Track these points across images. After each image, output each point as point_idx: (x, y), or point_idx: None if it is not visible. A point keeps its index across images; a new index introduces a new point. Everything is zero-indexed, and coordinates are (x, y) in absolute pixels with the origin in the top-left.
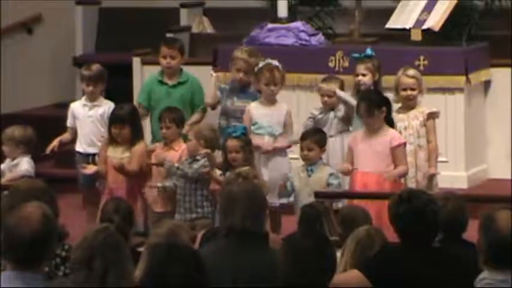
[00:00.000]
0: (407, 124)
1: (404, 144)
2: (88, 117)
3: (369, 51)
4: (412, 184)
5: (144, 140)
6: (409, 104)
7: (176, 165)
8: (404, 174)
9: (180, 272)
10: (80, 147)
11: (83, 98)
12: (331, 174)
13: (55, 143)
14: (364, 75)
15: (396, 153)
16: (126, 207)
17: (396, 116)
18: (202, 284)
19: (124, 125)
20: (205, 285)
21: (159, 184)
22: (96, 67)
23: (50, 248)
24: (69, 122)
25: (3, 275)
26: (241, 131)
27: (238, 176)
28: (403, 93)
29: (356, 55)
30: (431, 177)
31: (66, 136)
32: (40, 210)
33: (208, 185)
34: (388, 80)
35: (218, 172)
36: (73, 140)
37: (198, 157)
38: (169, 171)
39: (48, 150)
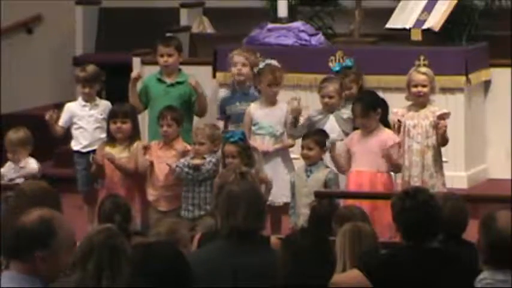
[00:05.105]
0: (417, 123)
1: (399, 143)
2: (90, 117)
3: (348, 62)
4: (417, 184)
5: (141, 140)
6: (419, 102)
7: (186, 169)
8: (399, 167)
9: (160, 270)
10: (79, 146)
11: (80, 99)
12: (329, 172)
13: (53, 114)
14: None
15: (390, 152)
16: (124, 204)
17: (406, 113)
18: (184, 282)
19: (126, 120)
20: (187, 283)
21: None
22: (91, 68)
23: None
24: (63, 121)
25: (3, 275)
26: (238, 136)
27: (233, 172)
28: (413, 89)
29: (336, 68)
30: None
31: (59, 128)
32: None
33: None
34: (388, 81)
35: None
36: (64, 140)
37: (205, 155)
38: (178, 176)
39: (47, 116)
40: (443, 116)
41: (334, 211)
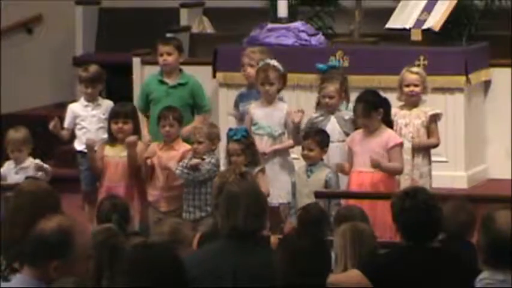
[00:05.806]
0: (409, 121)
1: (401, 144)
2: (92, 117)
3: (336, 62)
4: (407, 182)
5: (141, 140)
6: (411, 101)
7: (186, 171)
8: (398, 172)
9: (156, 272)
10: (82, 146)
11: (82, 99)
12: (329, 172)
13: (57, 123)
14: (331, 97)
15: (392, 152)
16: (122, 204)
17: (398, 112)
18: (179, 284)
19: (127, 120)
20: (183, 286)
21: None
22: (93, 68)
23: None
24: (67, 123)
25: (15, 278)
26: (241, 133)
27: (233, 172)
28: (406, 89)
29: (322, 66)
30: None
31: (65, 132)
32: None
33: None
34: (387, 81)
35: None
36: (69, 141)
37: (204, 156)
38: (179, 176)
39: (51, 126)
40: (435, 117)
41: (323, 218)
